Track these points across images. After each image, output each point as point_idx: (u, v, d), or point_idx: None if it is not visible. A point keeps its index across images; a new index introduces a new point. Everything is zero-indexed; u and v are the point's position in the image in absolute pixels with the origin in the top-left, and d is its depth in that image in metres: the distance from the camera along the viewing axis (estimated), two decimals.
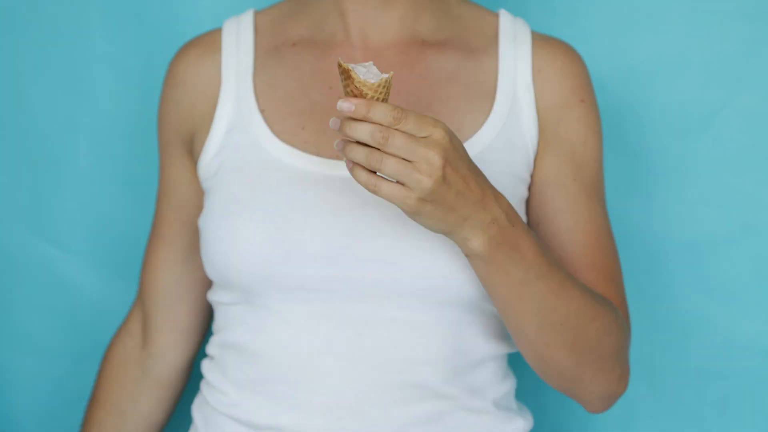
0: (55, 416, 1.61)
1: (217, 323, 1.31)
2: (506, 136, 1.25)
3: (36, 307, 1.60)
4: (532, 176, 1.27)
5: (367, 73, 1.06)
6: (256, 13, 1.34)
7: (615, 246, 1.29)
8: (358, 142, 1.06)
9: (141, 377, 1.41)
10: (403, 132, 1.05)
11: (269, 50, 1.30)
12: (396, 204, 1.07)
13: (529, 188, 1.28)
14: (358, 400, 1.21)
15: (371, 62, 1.08)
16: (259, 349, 1.24)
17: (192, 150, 1.32)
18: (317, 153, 1.23)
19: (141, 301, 1.41)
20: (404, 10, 1.27)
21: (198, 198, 1.34)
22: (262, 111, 1.27)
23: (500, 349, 1.27)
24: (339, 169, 1.22)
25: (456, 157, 1.07)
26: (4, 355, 1.61)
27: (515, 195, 1.25)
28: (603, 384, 1.24)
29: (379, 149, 1.05)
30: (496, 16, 1.32)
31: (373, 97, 1.05)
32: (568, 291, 1.17)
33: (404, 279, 1.18)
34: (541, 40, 1.30)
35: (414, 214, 1.08)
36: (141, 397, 1.41)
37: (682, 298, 1.52)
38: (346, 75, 1.05)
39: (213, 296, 1.31)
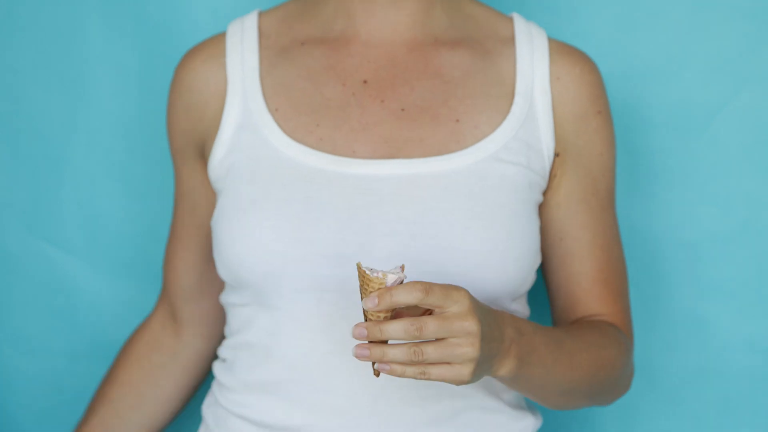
0: (54, 415, 1.60)
1: (230, 326, 1.30)
2: (523, 138, 1.24)
3: (34, 307, 1.59)
4: (549, 188, 1.27)
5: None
6: (261, 14, 1.33)
7: (624, 259, 1.33)
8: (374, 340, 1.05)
9: (168, 363, 1.42)
10: (433, 318, 1.04)
11: (277, 50, 1.29)
12: (451, 383, 1.07)
13: (548, 200, 1.28)
14: (373, 399, 1.20)
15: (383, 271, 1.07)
16: (272, 349, 1.23)
17: (204, 153, 1.31)
18: (332, 151, 1.22)
19: (167, 296, 1.43)
20: (414, 7, 1.26)
21: (211, 201, 1.33)
22: (275, 110, 1.25)
23: None
24: (354, 166, 1.21)
25: (480, 313, 1.07)
26: (3, 354, 1.60)
27: (530, 199, 1.24)
28: (611, 398, 1.32)
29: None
30: (510, 19, 1.31)
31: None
32: (578, 358, 1.20)
33: (419, 278, 1.17)
34: (559, 47, 1.29)
35: (471, 381, 1.08)
36: (164, 382, 1.43)
37: (682, 298, 1.52)
38: (359, 275, 1.05)
39: (225, 298, 1.31)
